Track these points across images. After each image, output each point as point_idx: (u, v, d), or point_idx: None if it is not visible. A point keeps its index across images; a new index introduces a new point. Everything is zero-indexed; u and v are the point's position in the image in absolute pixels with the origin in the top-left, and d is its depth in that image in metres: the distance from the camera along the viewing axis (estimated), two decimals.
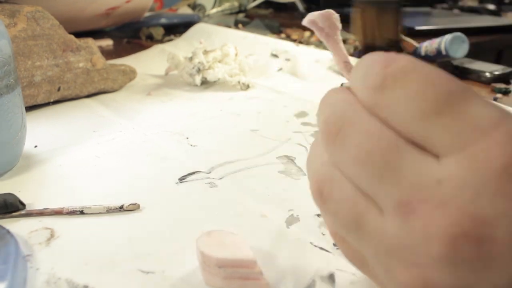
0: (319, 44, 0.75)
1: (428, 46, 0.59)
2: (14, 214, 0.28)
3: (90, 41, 0.52)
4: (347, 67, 0.21)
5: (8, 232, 0.25)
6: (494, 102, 0.16)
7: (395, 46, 0.22)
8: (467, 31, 0.60)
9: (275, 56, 0.65)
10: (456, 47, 0.56)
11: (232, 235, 0.24)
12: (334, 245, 0.26)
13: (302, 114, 0.47)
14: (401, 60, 0.17)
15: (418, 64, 0.17)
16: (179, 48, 0.72)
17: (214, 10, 1.01)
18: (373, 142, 0.16)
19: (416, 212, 0.15)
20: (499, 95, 0.53)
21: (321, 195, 0.18)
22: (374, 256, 0.17)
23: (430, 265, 0.15)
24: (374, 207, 0.17)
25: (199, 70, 0.55)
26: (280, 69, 0.62)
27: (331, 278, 0.23)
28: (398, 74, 0.16)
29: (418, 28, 0.89)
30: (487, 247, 0.14)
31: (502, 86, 0.54)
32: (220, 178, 0.34)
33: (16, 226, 0.27)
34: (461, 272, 0.14)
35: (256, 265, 0.22)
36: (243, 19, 0.97)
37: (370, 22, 0.24)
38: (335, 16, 0.21)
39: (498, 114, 0.15)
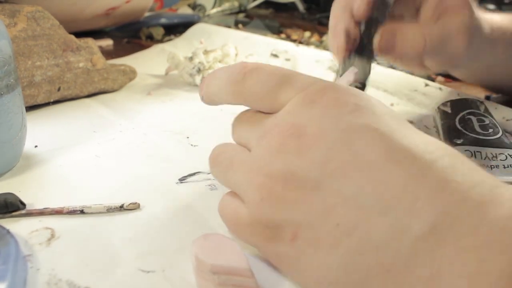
0: (319, 45, 0.75)
1: None
2: (14, 214, 0.28)
3: (90, 41, 0.52)
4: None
5: (8, 232, 0.25)
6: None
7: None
8: None
9: (275, 56, 0.65)
10: None
11: (230, 241, 0.23)
12: None
13: None
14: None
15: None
16: (179, 48, 0.72)
17: (214, 10, 1.01)
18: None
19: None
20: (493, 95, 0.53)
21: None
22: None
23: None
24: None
25: (199, 70, 0.55)
26: None
27: None
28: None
29: None
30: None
31: None
32: None
33: (16, 226, 0.27)
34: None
35: (251, 274, 0.22)
36: (243, 19, 0.97)
37: None
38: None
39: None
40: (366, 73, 0.36)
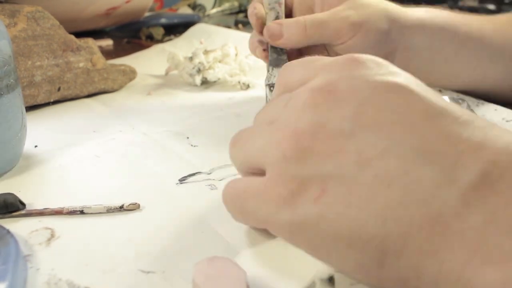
0: None
1: None
2: (14, 214, 0.28)
3: (90, 41, 0.52)
4: None
5: (8, 232, 0.25)
6: None
7: None
8: None
9: None
10: None
11: (235, 269, 0.22)
12: None
13: None
14: None
15: None
16: (179, 48, 0.72)
17: (214, 10, 1.01)
18: None
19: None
20: None
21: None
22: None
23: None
24: None
25: (199, 70, 0.55)
26: None
27: (331, 280, 0.23)
28: None
29: None
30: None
31: None
32: (221, 180, 0.34)
33: (16, 226, 0.27)
34: None
35: None
36: (243, 19, 0.97)
37: None
38: None
39: None
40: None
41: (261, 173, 0.23)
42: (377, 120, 0.19)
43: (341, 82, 0.21)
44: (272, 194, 0.21)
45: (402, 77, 0.21)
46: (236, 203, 0.23)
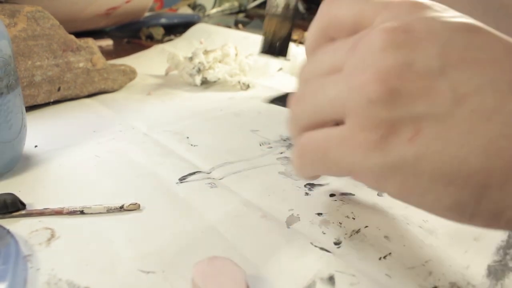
0: None
1: None
2: (14, 214, 0.28)
3: (90, 41, 0.52)
4: None
5: (8, 232, 0.25)
6: None
7: (286, 42, 0.43)
8: None
9: None
10: None
11: (235, 269, 0.22)
12: (335, 244, 0.26)
13: None
14: None
15: None
16: (179, 48, 0.72)
17: (214, 10, 1.01)
18: None
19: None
20: None
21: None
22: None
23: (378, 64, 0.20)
24: None
25: (199, 70, 0.55)
26: (280, 69, 0.62)
27: (331, 279, 0.23)
28: None
29: None
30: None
31: None
32: (220, 179, 0.34)
33: (16, 226, 0.27)
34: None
35: None
36: (243, 19, 0.97)
37: (272, 26, 0.40)
38: None
39: None
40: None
41: (334, 124, 0.22)
42: (465, 59, 0.19)
43: (416, 23, 0.20)
44: (359, 140, 0.20)
45: (473, 20, 0.21)
46: (317, 154, 0.22)
